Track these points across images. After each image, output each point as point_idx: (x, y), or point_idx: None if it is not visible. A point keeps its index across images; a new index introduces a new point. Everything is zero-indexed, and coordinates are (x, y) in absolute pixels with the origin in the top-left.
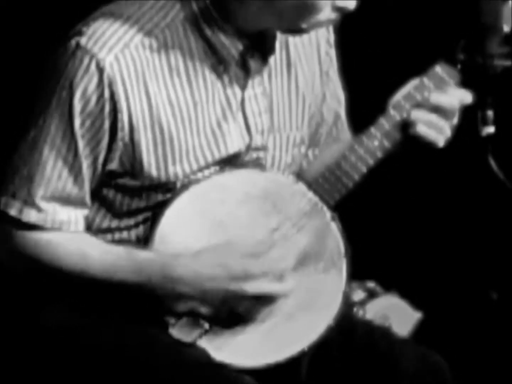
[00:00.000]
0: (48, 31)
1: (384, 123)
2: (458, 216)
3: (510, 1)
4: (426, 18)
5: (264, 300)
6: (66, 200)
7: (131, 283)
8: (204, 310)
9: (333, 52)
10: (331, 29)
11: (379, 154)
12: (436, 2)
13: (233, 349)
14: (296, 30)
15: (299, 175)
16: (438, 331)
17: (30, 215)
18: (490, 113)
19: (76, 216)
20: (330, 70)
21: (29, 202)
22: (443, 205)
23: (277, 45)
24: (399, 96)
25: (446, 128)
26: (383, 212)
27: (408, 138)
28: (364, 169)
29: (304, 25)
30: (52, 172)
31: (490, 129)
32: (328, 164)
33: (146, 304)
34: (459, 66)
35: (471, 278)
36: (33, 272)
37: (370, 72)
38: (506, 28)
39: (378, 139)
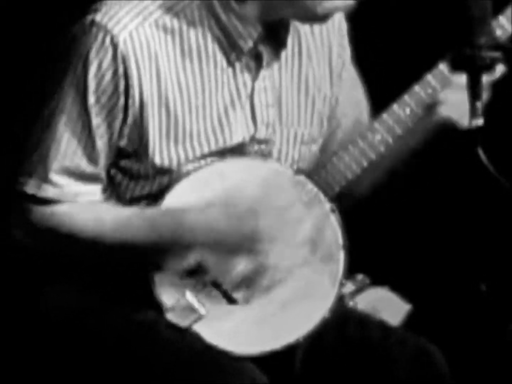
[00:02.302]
0: (51, 19)
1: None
2: (448, 209)
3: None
4: (415, 14)
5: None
6: (81, 176)
7: (144, 238)
8: (211, 262)
9: (346, 55)
10: (345, 32)
11: (381, 148)
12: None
13: (228, 335)
14: (313, 18)
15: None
16: (428, 323)
17: (48, 191)
18: (479, 105)
19: (93, 189)
20: (343, 73)
21: (45, 178)
22: (432, 198)
23: (290, 41)
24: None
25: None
26: (373, 205)
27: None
28: (364, 162)
29: (320, 11)
30: (67, 148)
31: (479, 121)
32: (331, 156)
33: (154, 266)
34: (448, 57)
35: (460, 270)
36: (51, 246)
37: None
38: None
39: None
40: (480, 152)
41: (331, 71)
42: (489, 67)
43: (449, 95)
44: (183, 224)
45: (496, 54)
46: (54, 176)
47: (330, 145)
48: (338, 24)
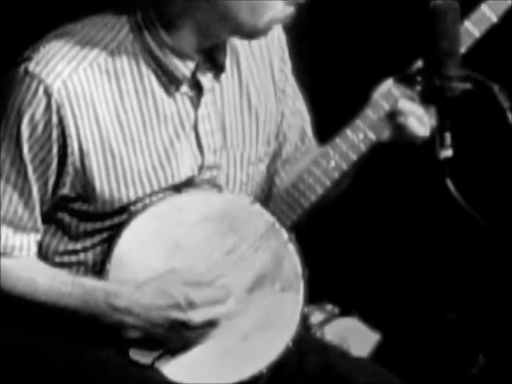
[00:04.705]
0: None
1: (370, 114)
2: (416, 239)
3: (466, 23)
4: (383, 41)
5: (210, 324)
6: (17, 225)
7: (78, 310)
8: (155, 336)
9: (288, 69)
10: (284, 46)
11: (336, 175)
12: (394, 26)
13: (191, 370)
14: (254, 33)
15: (257, 197)
16: (396, 353)
17: None
18: (448, 136)
19: (28, 242)
20: (286, 87)
21: None
22: (401, 228)
23: (228, 62)
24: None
25: (427, 125)
26: (341, 235)
27: (395, 128)
28: (319, 190)
29: (261, 25)
30: (3, 197)
31: (448, 152)
32: (287, 185)
33: (97, 329)
34: (417, 88)
35: (429, 300)
36: None
37: (326, 96)
38: (462, 50)
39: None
40: (449, 184)
41: (274, 87)
42: (458, 98)
43: (407, 104)
44: (117, 305)
45: (465, 86)
46: None
47: (278, 159)
48: (278, 39)
